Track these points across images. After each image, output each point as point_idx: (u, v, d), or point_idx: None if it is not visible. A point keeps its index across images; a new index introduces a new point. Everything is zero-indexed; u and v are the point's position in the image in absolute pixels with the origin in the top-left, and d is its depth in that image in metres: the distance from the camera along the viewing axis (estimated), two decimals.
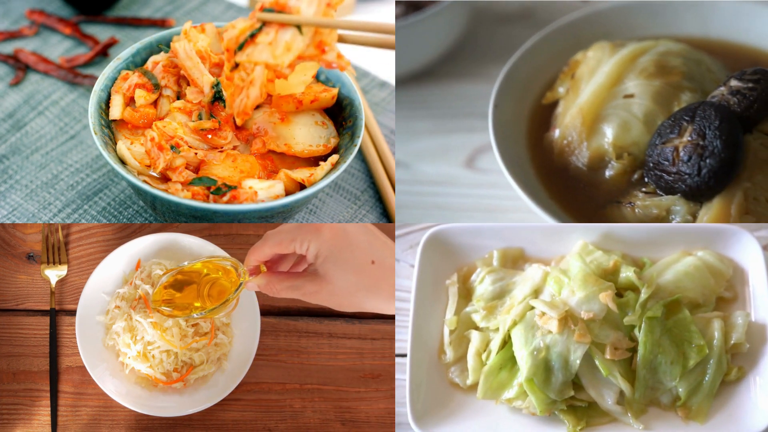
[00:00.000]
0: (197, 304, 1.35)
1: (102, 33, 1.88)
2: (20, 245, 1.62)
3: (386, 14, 2.00)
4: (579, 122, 1.59)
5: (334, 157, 1.49)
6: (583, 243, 1.53)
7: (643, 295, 1.45)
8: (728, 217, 1.46)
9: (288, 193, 1.45)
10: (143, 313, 1.50)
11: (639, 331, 1.43)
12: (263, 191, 1.42)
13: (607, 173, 1.56)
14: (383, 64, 1.88)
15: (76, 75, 1.79)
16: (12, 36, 1.86)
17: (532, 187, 1.55)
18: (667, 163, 1.47)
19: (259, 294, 1.56)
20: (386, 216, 1.67)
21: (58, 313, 1.57)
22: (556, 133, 1.62)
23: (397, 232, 1.66)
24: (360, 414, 1.54)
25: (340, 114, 1.56)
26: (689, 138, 1.45)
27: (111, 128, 1.50)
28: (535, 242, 1.57)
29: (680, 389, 1.43)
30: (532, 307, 1.45)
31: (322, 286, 1.28)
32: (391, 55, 1.89)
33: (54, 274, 1.59)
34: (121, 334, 1.50)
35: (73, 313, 1.56)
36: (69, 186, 1.64)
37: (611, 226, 1.52)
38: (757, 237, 1.51)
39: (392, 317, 1.60)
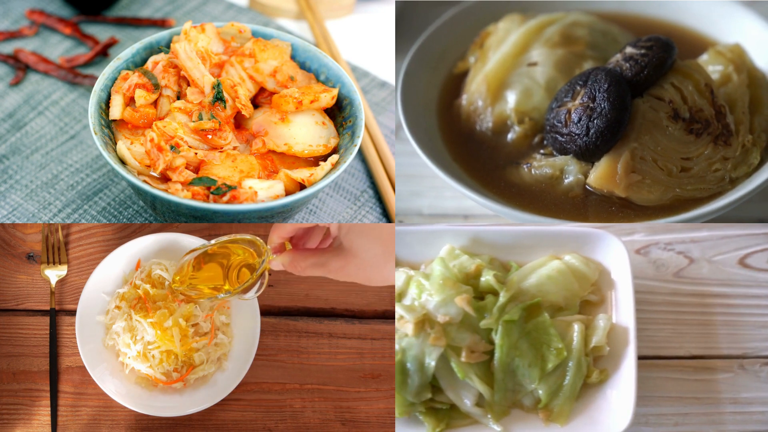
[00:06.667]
0: (227, 287, 1.33)
1: (102, 33, 1.88)
2: (20, 245, 1.62)
3: (386, 14, 2.00)
4: (484, 89, 1.66)
5: (334, 157, 1.49)
6: (449, 247, 1.54)
7: (502, 299, 1.46)
8: (614, 175, 1.51)
9: (288, 193, 1.45)
10: (143, 313, 1.50)
11: (496, 334, 1.44)
12: (263, 191, 1.42)
13: (510, 137, 1.64)
14: (383, 64, 1.89)
15: (76, 75, 1.79)
16: (12, 36, 1.86)
17: (436, 150, 1.61)
18: (560, 125, 1.54)
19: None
20: (386, 216, 1.67)
21: (58, 313, 1.57)
22: (464, 99, 1.69)
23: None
24: (360, 414, 1.54)
25: (340, 114, 1.56)
26: (581, 101, 1.52)
27: (111, 128, 1.50)
28: (406, 246, 1.57)
29: (540, 391, 1.44)
30: None
31: (348, 260, 1.22)
32: (391, 54, 1.89)
33: (54, 274, 1.59)
34: (121, 334, 1.50)
35: (73, 313, 1.56)
36: (69, 186, 1.64)
37: (479, 230, 1.55)
38: (629, 241, 1.53)
39: (392, 317, 1.61)
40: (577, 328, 1.47)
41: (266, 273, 1.32)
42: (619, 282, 1.51)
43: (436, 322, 1.44)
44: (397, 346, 1.43)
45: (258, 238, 1.31)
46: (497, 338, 1.44)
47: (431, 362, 1.42)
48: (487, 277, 1.49)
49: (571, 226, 1.52)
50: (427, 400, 1.44)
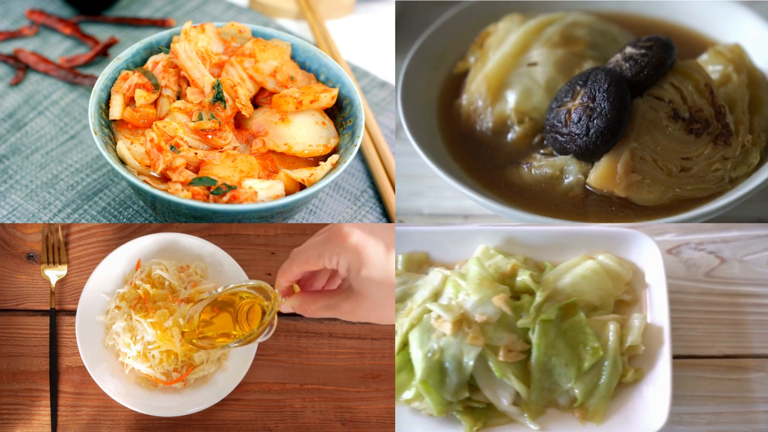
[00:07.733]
0: (235, 332, 1.33)
1: (102, 33, 1.88)
2: (20, 245, 1.62)
3: (386, 14, 2.00)
4: (484, 89, 1.67)
5: (334, 157, 1.49)
6: (484, 247, 1.54)
7: (538, 299, 1.46)
8: (614, 175, 1.51)
9: (288, 193, 1.45)
10: (143, 313, 1.50)
11: (533, 334, 1.44)
12: (263, 191, 1.42)
13: (510, 137, 1.65)
14: (383, 64, 1.88)
15: (76, 75, 1.79)
16: (12, 36, 1.86)
17: (436, 150, 1.62)
18: (560, 125, 1.54)
19: None
20: (386, 216, 1.67)
21: (58, 313, 1.57)
22: (464, 99, 1.69)
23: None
24: (360, 414, 1.54)
25: (340, 114, 1.56)
26: (581, 101, 1.52)
27: (111, 128, 1.50)
28: (440, 246, 1.57)
29: (576, 391, 1.44)
30: (430, 311, 1.47)
31: (358, 303, 1.23)
32: (391, 54, 1.89)
33: (54, 274, 1.59)
34: (121, 334, 1.50)
35: (73, 313, 1.56)
36: (69, 186, 1.64)
37: (512, 230, 1.55)
38: (660, 241, 1.52)
39: None
40: (612, 328, 1.47)
41: (275, 317, 1.32)
42: (653, 281, 1.51)
43: (473, 322, 1.44)
44: (435, 346, 1.43)
45: (266, 283, 1.31)
46: (534, 338, 1.44)
47: (470, 361, 1.42)
48: (523, 277, 1.49)
49: (603, 227, 1.52)
50: (464, 399, 1.44)
